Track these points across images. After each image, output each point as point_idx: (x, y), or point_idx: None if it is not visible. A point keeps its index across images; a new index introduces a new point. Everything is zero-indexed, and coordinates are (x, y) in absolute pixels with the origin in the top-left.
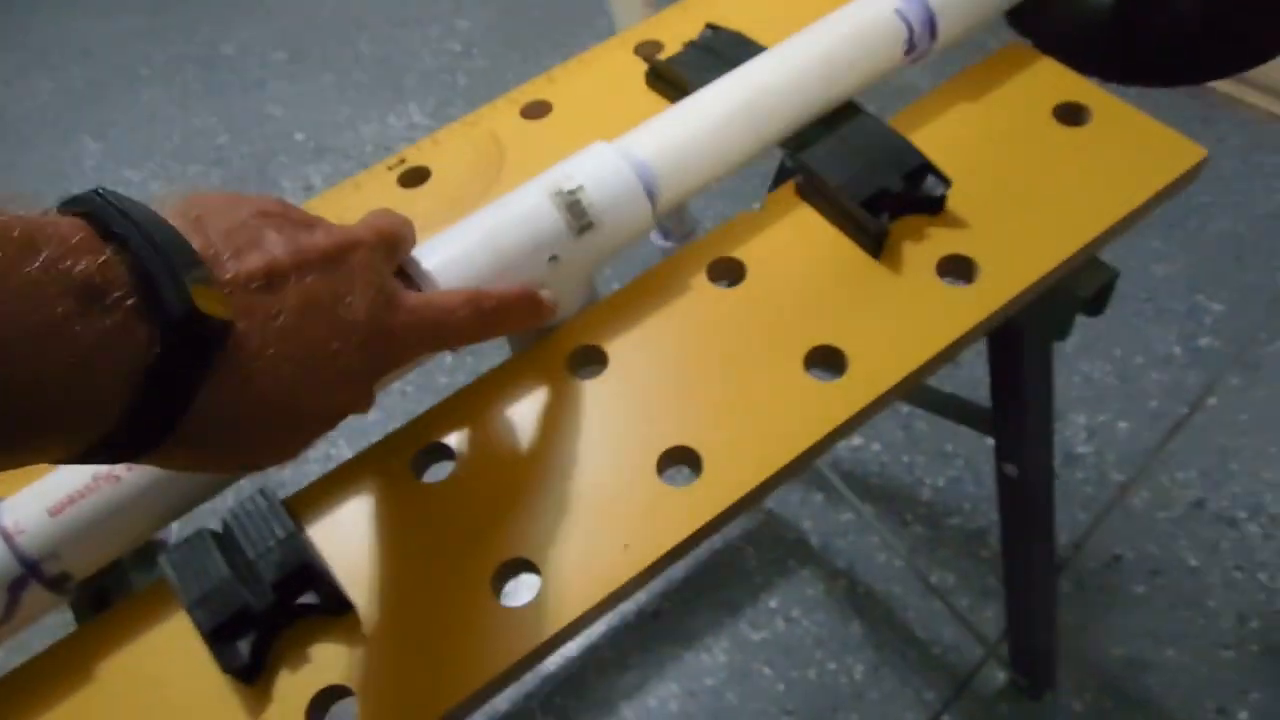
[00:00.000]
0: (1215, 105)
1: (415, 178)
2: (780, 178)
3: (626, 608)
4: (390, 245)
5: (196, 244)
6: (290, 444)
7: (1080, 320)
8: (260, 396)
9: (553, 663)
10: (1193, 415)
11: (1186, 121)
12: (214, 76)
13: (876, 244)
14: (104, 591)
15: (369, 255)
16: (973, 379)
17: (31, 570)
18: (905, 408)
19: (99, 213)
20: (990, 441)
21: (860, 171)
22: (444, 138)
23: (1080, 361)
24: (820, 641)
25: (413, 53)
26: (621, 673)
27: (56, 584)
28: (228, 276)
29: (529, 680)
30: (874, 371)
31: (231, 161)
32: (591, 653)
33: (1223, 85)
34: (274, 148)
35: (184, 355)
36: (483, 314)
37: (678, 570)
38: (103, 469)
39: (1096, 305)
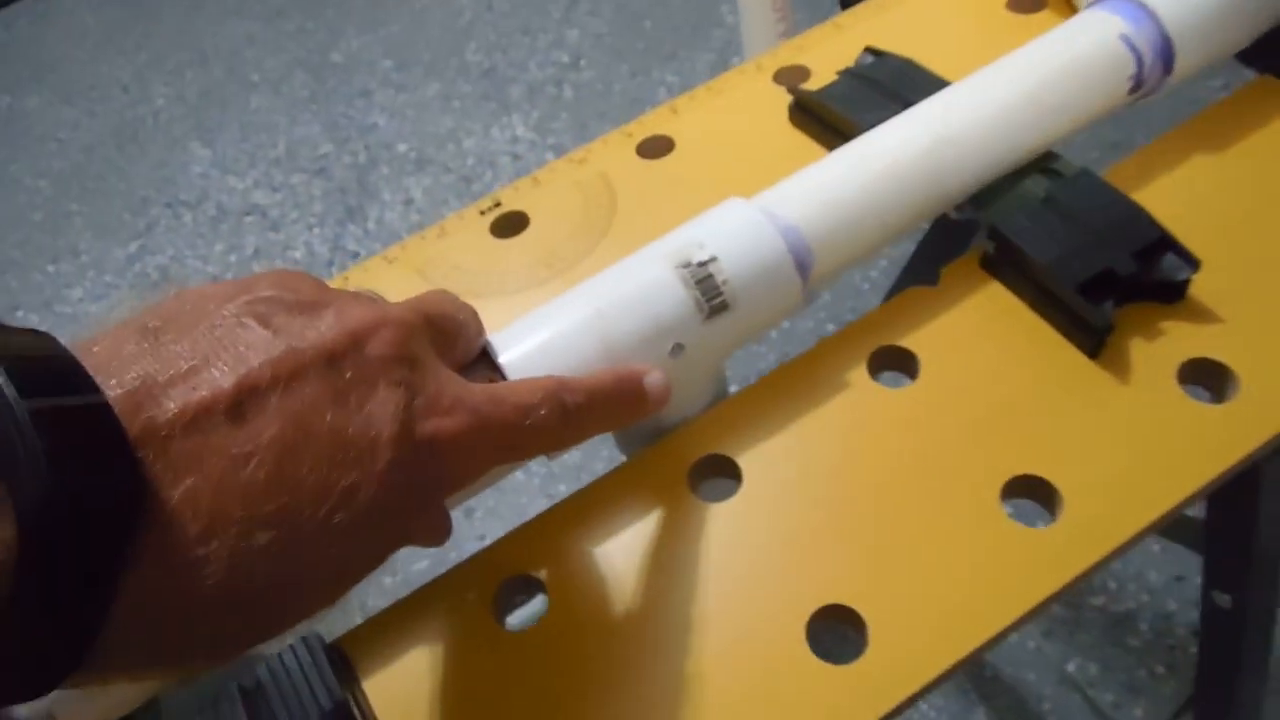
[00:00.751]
0: None
1: (511, 225)
2: (948, 240)
3: None
4: (438, 328)
5: (129, 373)
6: (293, 618)
7: None
8: (227, 581)
9: None
10: None
11: None
12: (321, 85)
13: (1097, 341)
14: None
15: (396, 340)
16: None
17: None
18: None
19: None
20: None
21: (1077, 246)
22: (546, 177)
23: None
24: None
25: (519, 64)
26: None
27: None
28: (169, 413)
29: None
30: (1098, 517)
31: (333, 172)
32: None
33: None
34: (376, 158)
35: (65, 550)
36: (568, 412)
37: None
38: None
39: None
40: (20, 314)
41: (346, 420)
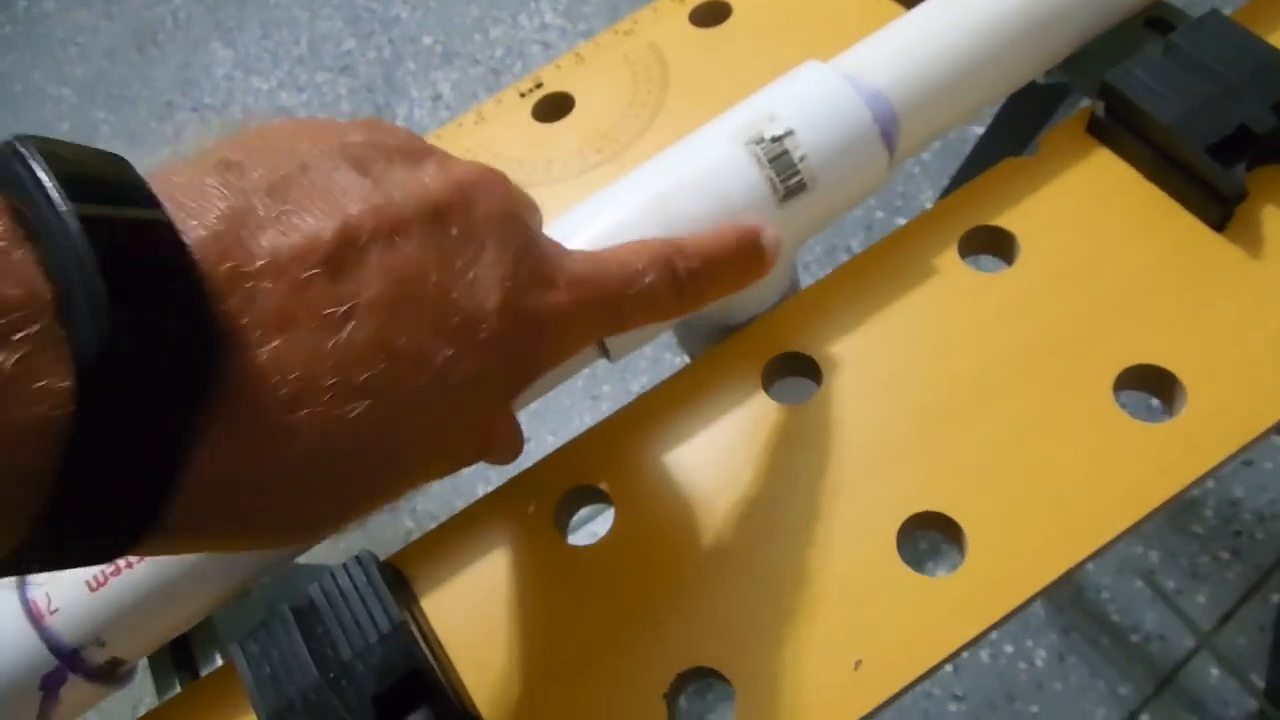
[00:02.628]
0: None
1: (554, 108)
2: (1043, 105)
3: None
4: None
5: (211, 213)
6: (364, 508)
7: None
8: (312, 453)
9: None
10: None
11: None
12: None
13: (1226, 211)
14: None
15: (505, 197)
16: None
17: (70, 661)
18: None
19: (12, 178)
20: None
21: (1205, 100)
22: (590, 53)
23: None
24: None
25: None
26: None
27: (105, 674)
28: (257, 263)
29: None
30: (1224, 408)
31: (358, 69)
32: None
33: None
34: (401, 53)
35: (130, 407)
36: (679, 278)
37: None
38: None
39: None
40: None
41: (451, 284)
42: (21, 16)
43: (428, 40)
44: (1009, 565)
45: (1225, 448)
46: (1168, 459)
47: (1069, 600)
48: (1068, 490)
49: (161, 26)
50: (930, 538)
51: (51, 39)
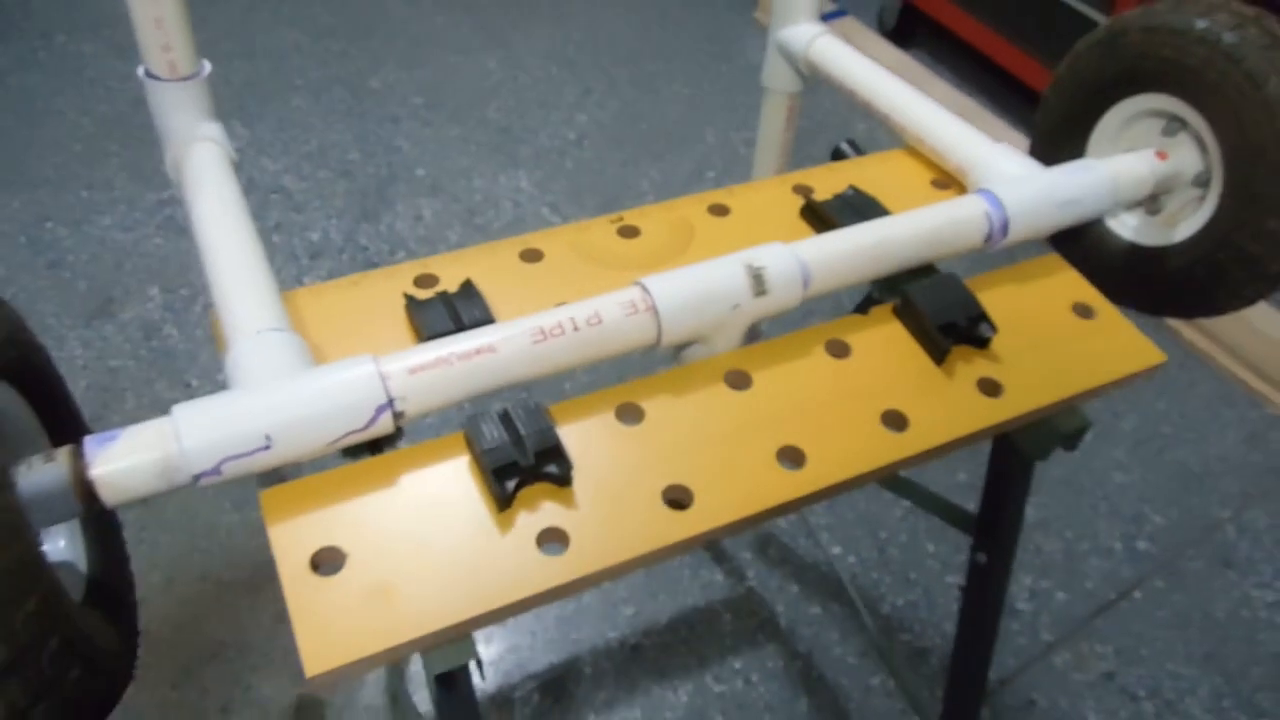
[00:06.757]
0: (1194, 356)
1: (629, 233)
2: (866, 303)
3: (611, 636)
4: None
5: None
6: None
7: (1043, 500)
8: None
9: (538, 663)
10: (1119, 602)
11: (1169, 356)
12: (357, 103)
13: (942, 356)
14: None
15: None
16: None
17: (390, 403)
18: (883, 531)
19: None
20: (949, 579)
21: (942, 307)
22: (652, 211)
23: (1037, 535)
24: (770, 708)
25: (532, 130)
26: (595, 690)
27: (397, 417)
28: None
29: (514, 673)
30: (931, 432)
31: (356, 176)
32: (574, 665)
33: (1200, 341)
34: (396, 175)
35: None
36: None
37: (662, 614)
38: (460, 349)
39: (1072, 443)
40: (50, 225)
41: None
42: (57, 49)
43: (420, 171)
44: (833, 469)
45: (932, 443)
46: (897, 451)
47: (827, 705)
48: (843, 445)
49: None
50: None
51: (82, 76)
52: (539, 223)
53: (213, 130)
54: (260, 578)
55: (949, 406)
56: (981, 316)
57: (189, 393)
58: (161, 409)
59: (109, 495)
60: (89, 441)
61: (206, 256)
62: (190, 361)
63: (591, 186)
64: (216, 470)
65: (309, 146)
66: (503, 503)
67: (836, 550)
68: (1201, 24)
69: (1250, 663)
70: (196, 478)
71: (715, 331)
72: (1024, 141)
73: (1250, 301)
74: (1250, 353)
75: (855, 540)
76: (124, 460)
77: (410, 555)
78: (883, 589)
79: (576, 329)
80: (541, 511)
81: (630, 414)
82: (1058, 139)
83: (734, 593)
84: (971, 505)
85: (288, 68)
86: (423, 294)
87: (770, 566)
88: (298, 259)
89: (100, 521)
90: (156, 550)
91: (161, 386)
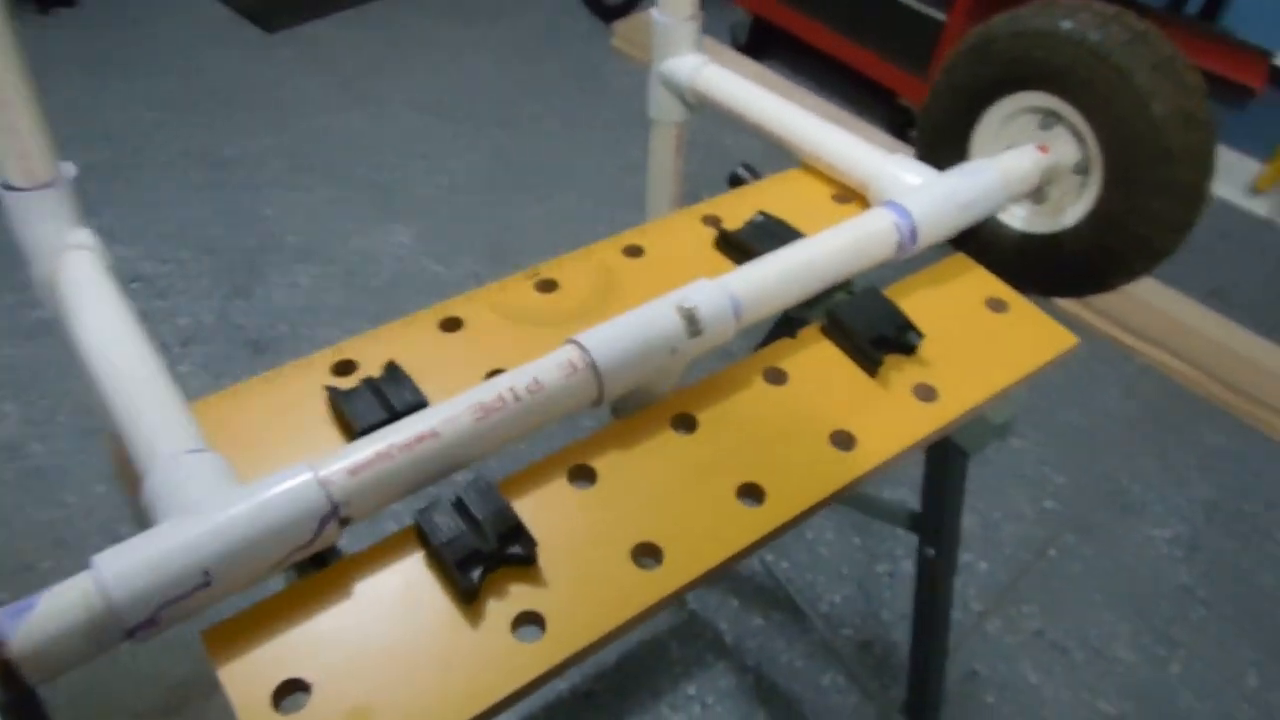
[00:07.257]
0: (1066, 319)
1: (548, 287)
2: (785, 326)
3: (562, 686)
4: None
5: None
6: None
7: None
8: None
9: None
10: (1037, 562)
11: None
12: (216, 174)
13: (874, 368)
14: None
15: None
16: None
17: (334, 510)
18: (809, 531)
19: None
20: (879, 569)
21: (870, 322)
22: (567, 261)
23: None
24: None
25: (406, 182)
26: None
27: (343, 523)
28: None
29: None
30: (880, 446)
31: (222, 251)
32: None
33: (1070, 305)
34: (265, 244)
35: None
36: None
37: (609, 656)
38: (400, 439)
39: (1004, 432)
40: None
41: None
42: None
43: (291, 238)
44: (796, 500)
45: (876, 462)
46: (847, 472)
47: (782, 712)
48: (796, 475)
49: None
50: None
51: None
52: (424, 276)
53: (84, 237)
54: (175, 700)
55: (891, 418)
56: (907, 325)
57: (66, 511)
58: (38, 536)
59: (34, 674)
60: (3, 615)
61: (100, 379)
62: (62, 476)
63: (472, 233)
64: (153, 620)
65: (167, 226)
66: (469, 595)
67: (769, 557)
68: (1067, 24)
69: (1159, 597)
70: (131, 632)
71: (656, 378)
72: (889, 140)
73: (1140, 275)
74: (1116, 310)
75: (784, 545)
76: (46, 630)
77: (381, 670)
78: (819, 588)
79: (518, 398)
80: (511, 596)
81: (583, 476)
82: (941, 142)
83: (676, 619)
84: (895, 495)
85: (137, 146)
86: (345, 383)
87: (707, 586)
88: (169, 348)
89: (20, 705)
90: (54, 690)
91: (35, 510)
